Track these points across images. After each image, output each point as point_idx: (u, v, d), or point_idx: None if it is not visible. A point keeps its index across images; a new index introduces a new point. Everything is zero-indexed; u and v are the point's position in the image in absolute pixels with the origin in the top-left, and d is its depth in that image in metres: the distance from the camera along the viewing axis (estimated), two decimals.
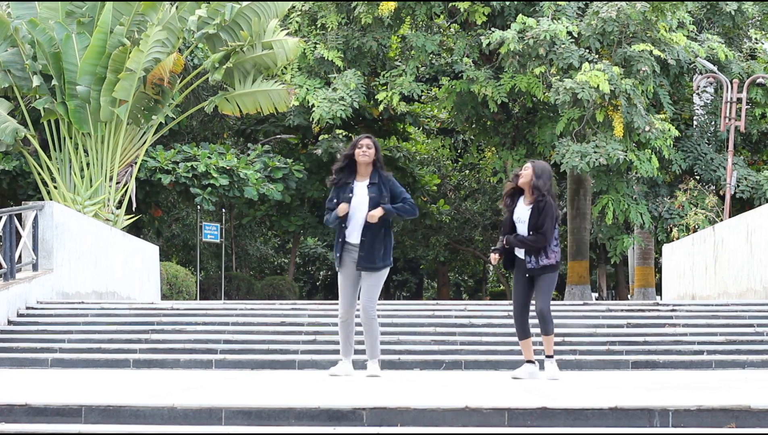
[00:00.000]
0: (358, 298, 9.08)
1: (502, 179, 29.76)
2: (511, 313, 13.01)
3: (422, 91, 26.78)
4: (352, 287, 9.02)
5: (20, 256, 13.98)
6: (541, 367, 9.02)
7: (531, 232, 8.77)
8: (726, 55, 25.34)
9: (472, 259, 43.34)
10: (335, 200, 9.00)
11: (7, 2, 22.07)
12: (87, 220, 16.53)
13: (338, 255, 9.00)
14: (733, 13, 26.60)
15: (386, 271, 9.03)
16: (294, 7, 26.68)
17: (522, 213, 8.87)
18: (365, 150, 9.03)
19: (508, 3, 25.48)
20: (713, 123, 27.44)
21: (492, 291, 52.02)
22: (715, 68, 24.78)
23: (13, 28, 20.47)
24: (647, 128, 23.43)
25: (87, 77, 20.24)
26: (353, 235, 8.96)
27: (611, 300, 38.74)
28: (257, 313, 13.08)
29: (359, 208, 8.94)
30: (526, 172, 8.83)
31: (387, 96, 25.48)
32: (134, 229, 24.89)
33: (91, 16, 20.62)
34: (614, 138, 23.31)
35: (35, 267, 14.29)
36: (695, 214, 24.65)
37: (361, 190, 9.02)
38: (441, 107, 29.39)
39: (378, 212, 8.88)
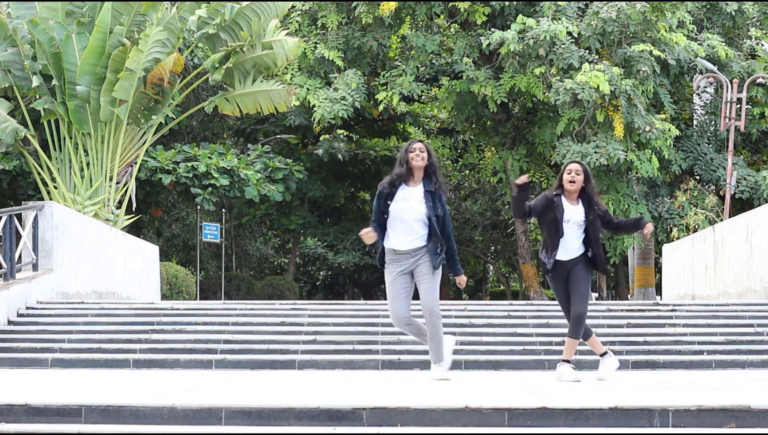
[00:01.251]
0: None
1: (502, 179, 29.78)
2: (513, 312, 13.08)
3: (422, 91, 26.78)
4: (404, 295, 8.86)
5: (20, 256, 13.98)
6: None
7: (588, 231, 8.67)
8: (726, 54, 25.34)
9: (472, 259, 43.31)
10: (383, 213, 8.70)
11: (7, 2, 22.07)
12: (87, 220, 16.52)
13: (384, 264, 8.83)
14: (733, 12, 26.60)
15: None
16: (294, 6, 26.68)
17: (572, 213, 8.69)
18: (418, 153, 8.68)
19: (508, 3, 25.47)
20: (713, 123, 27.44)
21: (492, 291, 51.99)
22: (715, 68, 24.78)
23: (12, 28, 20.47)
24: (647, 128, 23.44)
25: (87, 77, 20.24)
26: (400, 241, 8.67)
27: (611, 300, 38.72)
28: (257, 313, 13.07)
29: (405, 211, 8.62)
30: (579, 178, 8.70)
31: (387, 96, 25.48)
32: (134, 229, 24.89)
33: (91, 16, 20.62)
34: (614, 138, 23.31)
35: (35, 267, 14.29)
36: (695, 214, 24.64)
37: (409, 195, 8.67)
38: (441, 107, 29.39)
39: (464, 280, 8.97)
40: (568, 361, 8.83)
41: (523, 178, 8.73)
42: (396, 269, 8.77)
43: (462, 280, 8.96)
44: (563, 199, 8.77)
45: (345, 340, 11.69)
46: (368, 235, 8.61)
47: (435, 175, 8.72)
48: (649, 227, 8.75)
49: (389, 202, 8.67)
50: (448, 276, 44.52)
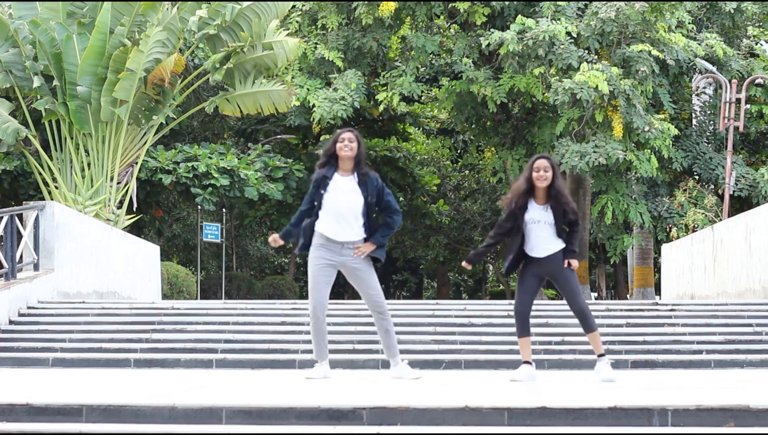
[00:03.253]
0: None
1: (502, 179, 29.78)
2: (512, 312, 13.05)
3: (422, 92, 26.79)
4: (326, 285, 8.59)
5: (21, 256, 14.00)
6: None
7: (558, 228, 8.53)
8: (724, 52, 25.34)
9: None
10: (314, 201, 8.53)
11: (8, 3, 22.09)
12: (88, 220, 16.54)
13: (305, 243, 8.52)
14: (732, 11, 26.61)
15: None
16: (294, 7, 26.69)
17: (537, 213, 8.55)
18: (347, 143, 8.53)
19: (507, 3, 25.49)
20: (712, 122, 27.46)
21: (492, 291, 52.00)
22: (714, 68, 24.79)
23: (14, 28, 20.48)
24: (646, 128, 23.45)
25: (87, 78, 20.26)
26: (338, 232, 8.45)
27: (610, 300, 38.72)
28: (258, 313, 13.09)
29: (341, 203, 8.46)
30: (548, 174, 8.48)
31: (387, 96, 25.49)
32: (135, 229, 24.91)
33: (92, 17, 20.63)
34: (614, 138, 23.33)
35: (36, 267, 14.31)
36: (694, 213, 24.66)
37: (343, 185, 8.52)
38: (441, 107, 29.40)
39: (367, 248, 8.48)
40: (603, 355, 8.74)
41: (467, 265, 8.85)
42: (324, 257, 8.51)
43: (365, 248, 8.50)
44: (531, 201, 8.55)
45: (345, 340, 11.71)
46: (274, 241, 8.59)
47: (363, 166, 8.56)
48: (574, 264, 8.62)
49: (322, 192, 8.50)
50: (447, 275, 44.57)
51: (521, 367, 8.69)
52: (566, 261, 8.56)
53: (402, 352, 11.26)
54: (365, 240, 8.55)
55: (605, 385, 8.15)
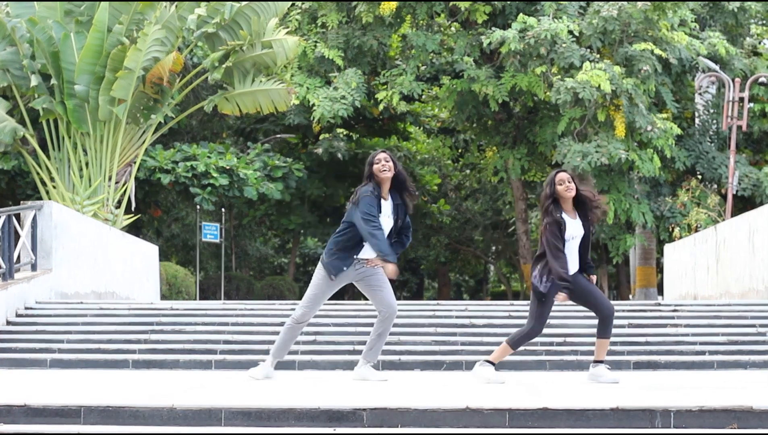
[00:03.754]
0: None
1: (503, 179, 29.76)
2: (514, 312, 13.01)
3: (423, 91, 26.75)
4: (327, 297, 8.66)
5: (19, 256, 13.94)
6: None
7: (585, 240, 8.43)
8: (727, 51, 25.29)
9: (472, 259, 43.31)
10: (378, 212, 8.41)
11: (5, 1, 22.04)
12: (86, 220, 16.49)
13: (344, 268, 8.50)
14: (735, 10, 26.57)
15: None
16: (294, 5, 26.65)
17: (574, 229, 8.43)
18: (384, 164, 8.38)
19: (509, 2, 25.45)
20: (715, 121, 27.42)
21: (493, 291, 52.03)
22: (717, 67, 24.75)
23: (11, 27, 20.44)
24: (649, 128, 23.40)
25: (85, 76, 20.21)
26: (367, 251, 8.49)
27: (613, 300, 38.67)
28: (257, 314, 13.04)
29: (384, 228, 8.41)
30: (572, 185, 8.39)
31: (387, 95, 25.45)
32: (133, 229, 24.86)
33: (89, 15, 20.60)
34: (616, 137, 23.29)
35: (34, 267, 14.26)
36: (697, 213, 24.62)
37: (386, 209, 8.45)
38: (442, 106, 29.36)
39: (395, 271, 8.43)
40: (601, 362, 8.67)
41: (563, 297, 8.38)
42: (341, 275, 8.49)
43: (394, 271, 8.43)
44: (564, 215, 8.43)
45: (345, 341, 11.66)
46: (394, 272, 8.40)
47: (405, 183, 8.44)
48: (592, 279, 8.55)
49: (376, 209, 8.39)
50: (448, 276, 44.56)
51: (486, 366, 8.57)
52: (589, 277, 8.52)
53: (402, 352, 11.25)
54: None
55: (606, 386, 8.11)
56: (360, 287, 8.71)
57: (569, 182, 8.43)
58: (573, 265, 8.43)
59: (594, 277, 8.59)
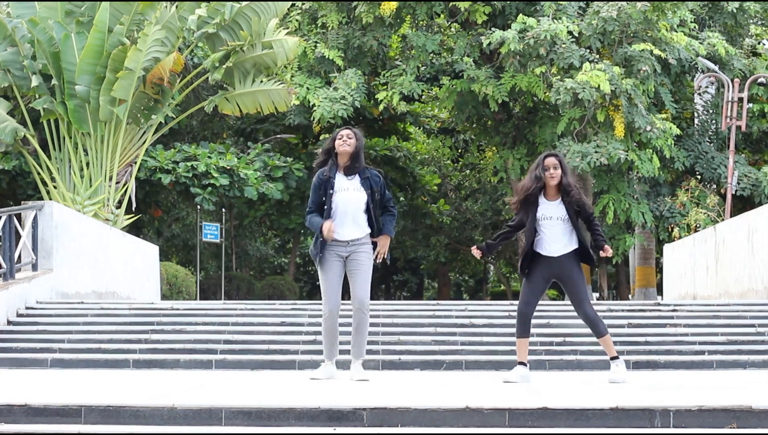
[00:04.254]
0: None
1: (503, 179, 29.74)
2: (513, 312, 13.01)
3: (423, 91, 26.74)
4: (339, 282, 8.70)
5: (20, 256, 13.96)
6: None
7: (572, 224, 8.52)
8: (727, 51, 25.29)
9: (472, 259, 43.29)
10: (321, 202, 8.60)
11: (6, 2, 22.05)
12: (87, 220, 16.51)
13: (321, 254, 8.56)
14: (734, 11, 26.57)
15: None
16: (294, 5, 26.65)
17: (549, 210, 8.55)
18: (345, 139, 8.61)
19: (508, 2, 25.45)
20: (714, 121, 27.42)
21: (493, 291, 52.02)
22: (716, 67, 24.75)
23: (12, 27, 20.45)
24: (648, 128, 23.40)
25: (86, 77, 20.22)
26: (341, 232, 8.55)
27: (612, 300, 38.70)
28: (257, 314, 13.06)
29: (348, 202, 8.55)
30: (558, 172, 8.52)
31: (387, 95, 25.44)
32: (134, 229, 24.87)
33: (90, 16, 20.60)
34: (615, 138, 23.29)
35: (35, 267, 14.27)
36: (696, 213, 24.62)
37: (347, 184, 8.59)
38: (441, 107, 29.35)
39: (385, 247, 8.62)
40: (616, 357, 8.68)
41: (478, 252, 8.76)
42: (333, 254, 8.60)
43: (386, 248, 8.66)
44: (542, 197, 8.58)
45: (345, 340, 11.66)
46: (330, 231, 8.51)
47: (359, 159, 8.60)
48: (608, 250, 8.61)
49: (331, 192, 8.55)
50: (448, 276, 44.54)
51: (516, 368, 8.63)
52: (604, 248, 8.60)
53: (402, 352, 11.26)
54: (370, 235, 8.64)
55: (606, 386, 8.12)
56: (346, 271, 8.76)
57: (555, 169, 8.55)
58: (556, 247, 8.54)
59: (608, 250, 8.60)
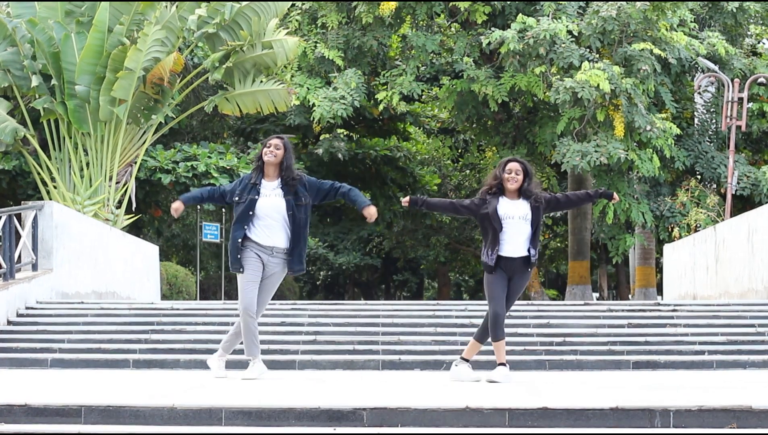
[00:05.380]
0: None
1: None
2: (514, 312, 13.00)
3: (422, 91, 26.74)
4: (257, 281, 8.80)
5: (20, 256, 13.95)
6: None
7: (533, 222, 8.52)
8: (727, 51, 25.28)
9: (472, 259, 43.25)
10: (236, 196, 8.74)
11: (6, 2, 22.04)
12: (87, 220, 16.50)
13: (238, 256, 8.69)
14: (734, 10, 26.57)
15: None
16: (294, 5, 26.64)
17: (510, 209, 8.54)
18: (273, 150, 8.77)
19: (508, 2, 25.45)
20: (714, 121, 27.41)
21: None
22: (716, 67, 24.74)
23: (12, 27, 20.44)
24: (648, 127, 23.40)
25: (86, 77, 20.21)
26: (268, 237, 8.68)
27: (612, 300, 38.70)
28: None
29: (272, 210, 8.69)
30: (519, 177, 8.55)
31: (387, 95, 25.45)
32: (134, 229, 24.86)
33: (90, 16, 20.59)
34: (615, 137, 23.28)
35: (35, 267, 14.27)
36: (696, 213, 24.61)
37: (270, 190, 8.75)
38: (441, 107, 29.36)
39: (374, 211, 8.73)
40: (467, 360, 8.73)
41: (405, 201, 8.72)
42: (252, 254, 8.72)
43: (374, 211, 8.76)
44: (502, 196, 8.60)
45: (345, 340, 11.67)
46: (176, 210, 8.74)
47: (289, 169, 8.74)
48: (615, 197, 8.70)
49: (256, 197, 8.69)
50: (448, 276, 44.51)
51: (499, 368, 8.57)
52: (612, 196, 8.76)
53: (402, 352, 11.26)
54: (288, 251, 8.73)
55: (607, 386, 8.11)
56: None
57: (516, 174, 8.60)
58: (514, 248, 8.53)
59: (616, 196, 8.78)
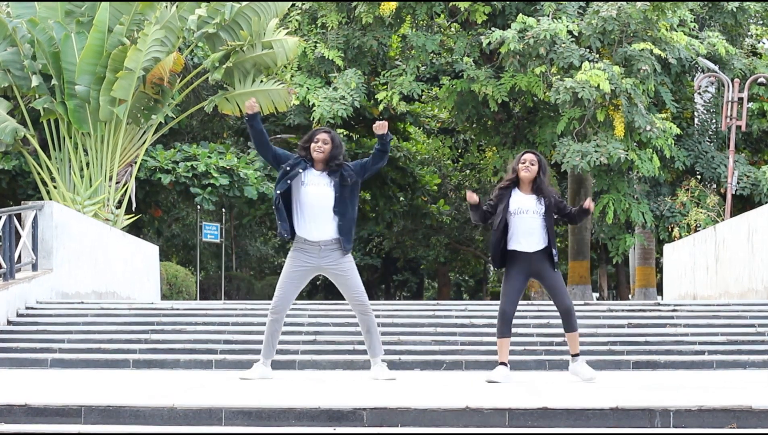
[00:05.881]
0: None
1: (503, 179, 29.69)
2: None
3: (422, 91, 26.73)
4: (299, 283, 8.70)
5: (20, 256, 13.95)
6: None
7: (547, 218, 8.53)
8: (727, 51, 25.28)
9: (472, 259, 43.30)
10: (288, 166, 8.59)
11: (6, 2, 22.04)
12: (87, 220, 16.50)
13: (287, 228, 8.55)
14: (734, 10, 26.57)
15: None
16: (294, 5, 26.64)
17: (522, 202, 8.57)
18: (320, 145, 8.62)
19: (508, 2, 25.44)
20: (714, 121, 27.41)
21: (493, 291, 51.98)
22: (716, 67, 24.73)
23: (12, 27, 20.44)
24: (648, 127, 23.40)
25: (86, 77, 20.21)
26: (312, 231, 8.55)
27: (612, 300, 38.70)
28: (257, 313, 13.04)
29: (318, 200, 8.56)
30: (534, 168, 8.58)
31: (387, 95, 25.44)
32: (134, 229, 24.87)
33: (90, 16, 20.58)
34: (615, 137, 23.28)
35: (35, 267, 14.26)
36: (696, 213, 24.61)
37: (318, 179, 8.62)
38: (441, 107, 29.35)
39: (384, 127, 8.55)
40: (577, 355, 8.75)
41: (474, 198, 8.62)
42: (301, 261, 8.61)
43: (382, 124, 8.62)
44: (516, 190, 8.64)
45: (345, 340, 11.67)
46: (251, 107, 8.56)
47: (335, 160, 8.59)
48: (588, 202, 8.64)
49: (301, 185, 8.58)
50: (448, 276, 44.55)
51: (498, 368, 8.59)
52: (587, 201, 8.67)
53: (402, 352, 11.24)
54: (337, 241, 8.57)
55: (607, 386, 8.11)
56: (329, 278, 8.77)
57: (531, 164, 8.62)
58: (531, 242, 8.53)
59: (590, 204, 8.68)
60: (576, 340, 8.77)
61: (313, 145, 8.61)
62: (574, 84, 22.64)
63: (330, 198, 8.55)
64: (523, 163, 8.64)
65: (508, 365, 8.66)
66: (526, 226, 8.55)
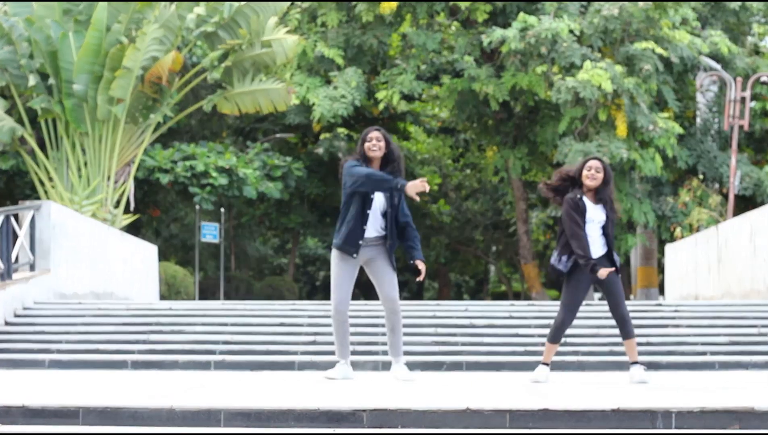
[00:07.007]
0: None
1: (504, 179, 29.71)
2: (514, 312, 12.98)
3: (423, 90, 26.70)
4: (352, 280, 8.66)
5: (17, 257, 13.90)
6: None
7: (608, 228, 8.43)
8: (729, 50, 25.24)
9: (473, 259, 43.26)
10: (363, 194, 8.52)
11: (3, 0, 22.00)
12: (85, 220, 16.45)
13: (354, 247, 8.51)
14: (737, 9, 26.53)
15: None
16: (293, 4, 26.60)
17: (594, 213, 8.43)
18: (375, 143, 8.56)
19: (509, 1, 25.41)
20: (717, 120, 27.38)
21: (493, 291, 51.95)
22: (719, 66, 24.69)
23: (9, 26, 20.41)
24: (650, 127, 23.36)
25: (84, 76, 20.17)
26: (370, 230, 8.58)
27: None
28: (256, 314, 13.01)
29: (380, 203, 8.58)
30: (600, 176, 8.40)
31: (387, 94, 25.40)
32: (132, 229, 24.82)
33: (88, 15, 20.57)
34: (617, 137, 23.24)
35: (32, 267, 14.22)
36: (699, 213, 24.57)
37: None
38: (442, 106, 29.33)
39: (424, 270, 8.70)
40: (637, 362, 8.62)
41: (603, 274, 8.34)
42: (351, 256, 8.56)
43: (422, 266, 8.72)
44: (585, 199, 8.46)
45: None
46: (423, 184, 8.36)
47: (396, 163, 8.57)
48: (602, 273, 8.35)
49: (372, 195, 8.55)
50: (449, 276, 44.51)
51: (540, 367, 8.65)
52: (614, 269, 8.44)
53: (403, 353, 11.19)
54: (384, 238, 8.62)
55: (608, 387, 8.08)
56: (367, 272, 8.74)
57: (597, 172, 8.44)
58: (596, 250, 8.43)
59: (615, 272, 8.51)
60: (633, 347, 8.57)
61: (367, 144, 8.57)
62: (575, 83, 22.61)
63: (383, 204, 8.63)
64: (588, 169, 8.45)
65: (549, 365, 8.71)
66: (592, 236, 8.43)
